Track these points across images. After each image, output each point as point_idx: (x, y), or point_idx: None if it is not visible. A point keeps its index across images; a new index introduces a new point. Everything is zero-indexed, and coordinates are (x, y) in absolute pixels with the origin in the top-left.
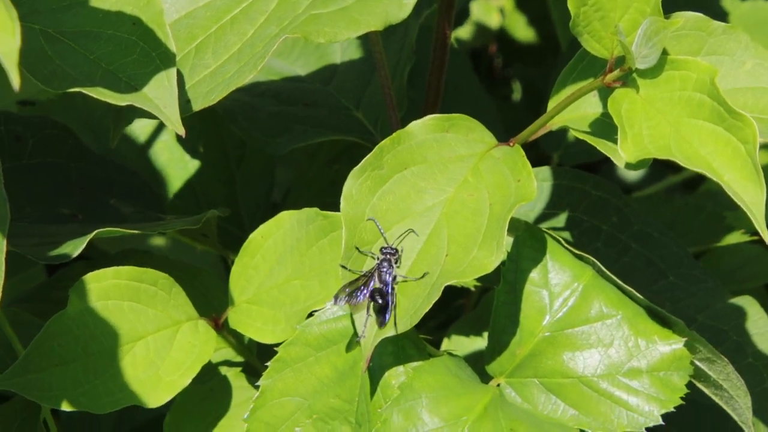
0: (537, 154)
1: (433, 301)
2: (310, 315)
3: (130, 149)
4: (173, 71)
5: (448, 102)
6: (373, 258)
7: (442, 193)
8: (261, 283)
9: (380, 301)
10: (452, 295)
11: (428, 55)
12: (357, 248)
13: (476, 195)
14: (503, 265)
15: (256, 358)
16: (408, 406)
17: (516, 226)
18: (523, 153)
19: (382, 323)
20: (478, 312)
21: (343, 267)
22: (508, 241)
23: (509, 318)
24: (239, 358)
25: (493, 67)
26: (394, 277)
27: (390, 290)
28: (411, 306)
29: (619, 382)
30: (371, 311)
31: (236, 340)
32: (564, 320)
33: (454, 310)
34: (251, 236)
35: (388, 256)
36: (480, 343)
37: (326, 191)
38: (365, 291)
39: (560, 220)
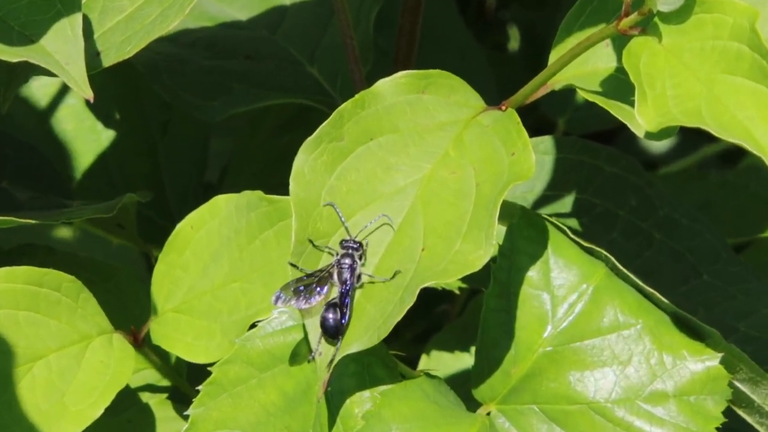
0: (537, 119)
1: (407, 308)
2: (253, 326)
3: (28, 116)
4: (78, 18)
5: (425, 54)
6: (332, 254)
7: (417, 170)
8: (191, 287)
9: (338, 309)
10: (433, 299)
11: None
12: (311, 241)
13: (459, 173)
14: (494, 262)
15: (185, 381)
16: None
17: (510, 212)
18: (519, 119)
19: (338, 336)
20: (464, 321)
21: (292, 266)
22: (500, 230)
23: (502, 329)
24: (165, 382)
25: (484, 9)
26: (358, 277)
27: (349, 294)
28: (379, 314)
29: (640, 409)
30: (328, 321)
31: (160, 358)
32: (570, 331)
33: (435, 318)
34: (179, 227)
35: (350, 251)
36: (467, 360)
37: (273, 168)
38: (320, 293)
39: (565, 203)
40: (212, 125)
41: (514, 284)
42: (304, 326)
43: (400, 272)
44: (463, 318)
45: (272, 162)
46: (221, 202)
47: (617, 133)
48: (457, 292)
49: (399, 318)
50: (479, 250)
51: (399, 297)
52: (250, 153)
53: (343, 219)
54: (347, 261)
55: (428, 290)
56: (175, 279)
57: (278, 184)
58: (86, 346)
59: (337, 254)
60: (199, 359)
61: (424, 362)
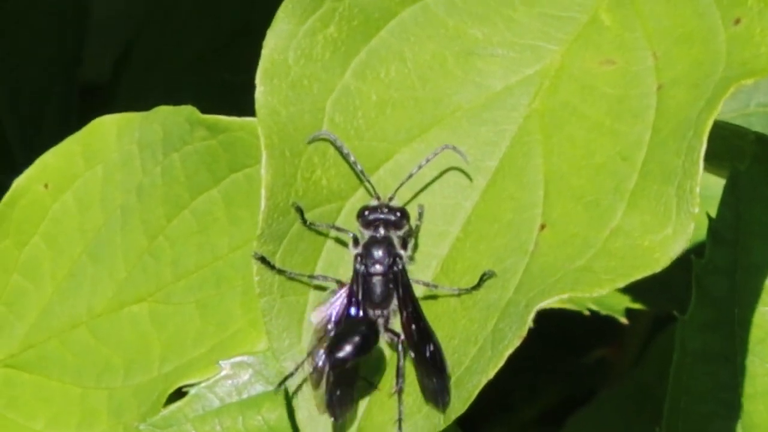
0: None
1: (510, 350)
2: (179, 395)
3: None
4: None
5: None
6: (344, 243)
7: (531, 57)
8: (44, 313)
9: (362, 350)
10: (576, 335)
11: None
12: (300, 212)
13: (621, 61)
14: (698, 257)
15: None
16: None
17: (733, 148)
18: None
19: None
20: (639, 381)
21: (261, 261)
22: (710, 187)
23: (714, 395)
24: None
25: None
26: (406, 286)
27: (412, 320)
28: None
29: None
30: (343, 377)
31: None
32: None
33: (581, 375)
34: (18, 183)
35: (381, 229)
36: None
37: (223, 53)
38: (330, 324)
39: None
40: None
41: (744, 301)
42: (286, 394)
43: (494, 275)
44: (638, 375)
45: (223, 44)
46: (109, 128)
47: None
48: (624, 320)
49: (492, 373)
50: (665, 227)
51: (491, 328)
52: (175, 22)
53: (359, 168)
54: (380, 253)
55: (563, 316)
56: (11, 296)
57: (233, 90)
58: None
59: (359, 241)
60: None
61: None
